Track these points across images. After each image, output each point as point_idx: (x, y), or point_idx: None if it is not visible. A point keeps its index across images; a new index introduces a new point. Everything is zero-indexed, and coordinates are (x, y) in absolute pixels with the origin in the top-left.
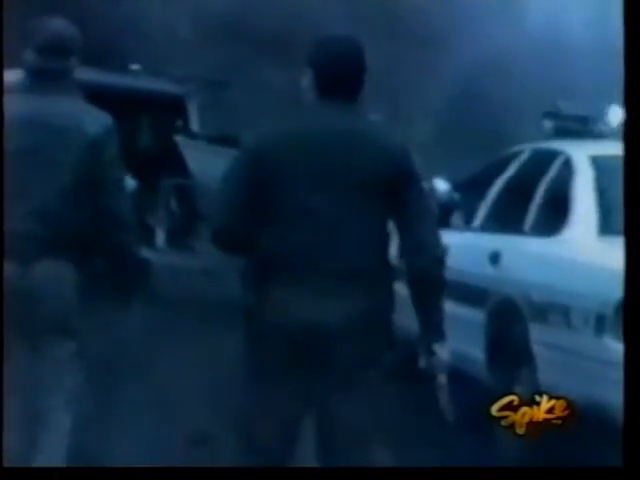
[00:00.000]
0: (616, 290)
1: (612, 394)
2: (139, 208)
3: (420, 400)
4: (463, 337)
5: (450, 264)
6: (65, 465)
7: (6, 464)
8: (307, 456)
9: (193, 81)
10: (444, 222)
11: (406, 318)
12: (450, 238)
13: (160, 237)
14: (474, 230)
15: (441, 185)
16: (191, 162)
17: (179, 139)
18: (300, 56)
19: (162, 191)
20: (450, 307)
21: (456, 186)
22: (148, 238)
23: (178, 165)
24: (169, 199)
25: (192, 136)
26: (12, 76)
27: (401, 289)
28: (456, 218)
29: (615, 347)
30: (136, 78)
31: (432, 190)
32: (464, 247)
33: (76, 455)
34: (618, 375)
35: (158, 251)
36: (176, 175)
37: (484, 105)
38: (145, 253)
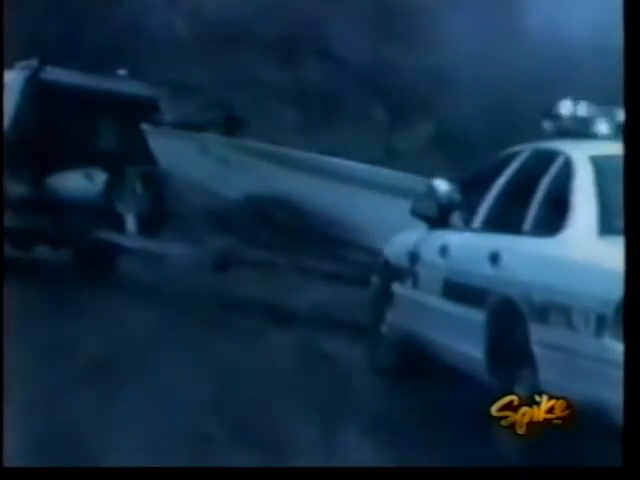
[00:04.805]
0: (616, 290)
1: (612, 394)
2: (110, 196)
3: (420, 400)
4: (463, 337)
5: (450, 264)
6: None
7: (6, 464)
8: (307, 456)
9: (167, 85)
10: (444, 222)
11: (406, 319)
12: (450, 238)
13: (130, 223)
14: (474, 230)
15: (441, 185)
16: (156, 149)
17: (145, 127)
18: (301, 58)
19: (128, 178)
20: (450, 307)
21: (456, 186)
22: (119, 225)
23: (144, 153)
24: (134, 185)
25: (157, 123)
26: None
27: (401, 289)
28: (456, 218)
29: (615, 347)
30: (115, 82)
31: (432, 190)
32: (464, 247)
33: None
34: (618, 375)
35: (128, 237)
36: (143, 162)
37: (484, 105)
38: (116, 239)
